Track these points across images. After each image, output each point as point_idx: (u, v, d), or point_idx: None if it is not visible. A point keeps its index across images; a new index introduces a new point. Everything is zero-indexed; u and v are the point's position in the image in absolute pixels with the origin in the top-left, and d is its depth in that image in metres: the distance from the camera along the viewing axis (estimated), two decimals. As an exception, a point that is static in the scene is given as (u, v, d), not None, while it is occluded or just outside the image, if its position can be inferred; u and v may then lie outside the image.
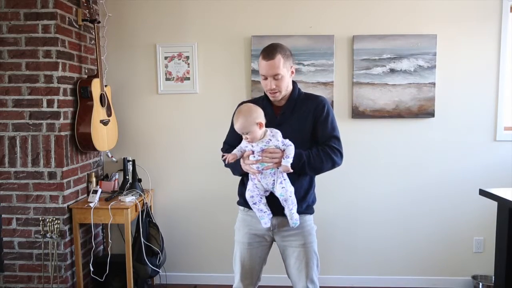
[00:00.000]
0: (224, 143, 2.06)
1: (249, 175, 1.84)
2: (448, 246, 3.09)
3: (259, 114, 1.77)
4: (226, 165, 1.94)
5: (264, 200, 1.84)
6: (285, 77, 1.85)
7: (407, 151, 3.05)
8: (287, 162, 1.74)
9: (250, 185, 1.84)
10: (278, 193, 1.79)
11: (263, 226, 1.86)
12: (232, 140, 1.97)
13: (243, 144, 1.82)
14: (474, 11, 2.93)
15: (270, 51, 1.83)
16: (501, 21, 2.92)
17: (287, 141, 1.77)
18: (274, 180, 1.78)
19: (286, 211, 1.82)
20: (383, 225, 3.10)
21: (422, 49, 2.92)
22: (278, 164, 1.76)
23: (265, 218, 1.85)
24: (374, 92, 2.97)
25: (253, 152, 1.77)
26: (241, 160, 1.84)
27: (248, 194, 1.84)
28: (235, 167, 1.89)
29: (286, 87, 1.88)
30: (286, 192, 1.78)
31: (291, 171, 1.75)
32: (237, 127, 1.76)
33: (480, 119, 3.00)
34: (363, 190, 3.09)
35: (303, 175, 1.88)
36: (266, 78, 1.85)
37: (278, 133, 1.79)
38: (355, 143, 2.99)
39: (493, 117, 2.99)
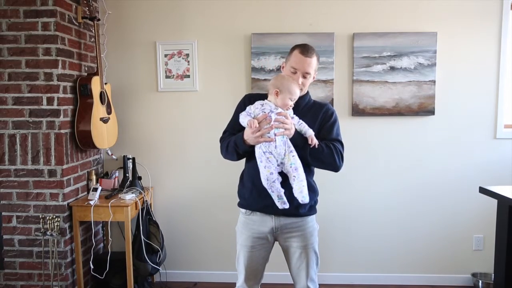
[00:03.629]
0: (225, 131, 2.00)
1: (258, 154, 1.77)
2: (448, 244, 3.10)
3: None
4: (226, 151, 1.91)
5: (280, 179, 1.78)
6: (311, 79, 1.91)
7: (407, 149, 3.04)
8: (311, 131, 1.80)
9: (264, 161, 1.76)
10: (289, 162, 1.74)
11: (282, 207, 1.77)
12: (235, 128, 1.94)
13: (256, 110, 1.80)
14: (474, 9, 2.92)
15: (310, 49, 1.87)
16: (502, 19, 2.91)
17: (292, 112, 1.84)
18: (285, 150, 1.75)
19: (296, 186, 1.74)
20: (383, 222, 3.11)
21: (422, 47, 2.92)
22: (290, 132, 1.76)
23: (284, 198, 1.77)
24: (374, 90, 2.97)
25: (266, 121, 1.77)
26: (250, 133, 1.76)
27: (267, 172, 1.75)
28: (239, 143, 1.82)
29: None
30: (296, 161, 1.75)
31: (292, 132, 1.76)
32: (291, 93, 1.77)
33: (480, 117, 3.00)
34: (363, 188, 3.09)
35: (309, 175, 1.88)
36: (295, 72, 1.86)
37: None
38: (355, 141, 2.99)
39: (493, 115, 2.99)
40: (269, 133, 1.74)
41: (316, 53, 1.89)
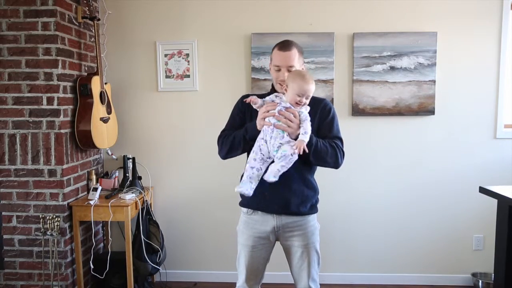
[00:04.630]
0: (223, 131, 2.00)
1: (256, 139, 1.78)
2: (448, 243, 3.10)
3: None
4: (231, 143, 1.89)
5: (261, 173, 1.77)
6: None
7: (407, 148, 3.04)
8: (305, 137, 1.70)
9: (255, 146, 1.77)
10: (281, 150, 1.70)
11: (241, 190, 1.76)
12: (233, 128, 1.95)
13: (269, 99, 1.82)
14: (474, 9, 2.92)
15: (287, 44, 1.87)
16: (502, 19, 2.91)
17: (308, 116, 1.77)
18: (281, 143, 1.72)
19: (274, 165, 1.72)
20: (383, 222, 3.11)
21: (422, 47, 2.92)
22: (291, 131, 1.72)
23: (247, 186, 1.76)
24: (374, 89, 2.97)
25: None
26: (260, 112, 1.78)
27: (251, 156, 1.78)
28: (249, 128, 1.83)
29: None
30: (291, 150, 1.70)
31: (303, 149, 1.69)
32: (298, 89, 1.72)
33: (480, 117, 3.00)
34: (363, 188, 3.09)
35: (310, 174, 1.90)
36: (279, 70, 1.86)
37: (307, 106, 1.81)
38: (355, 140, 2.99)
39: (493, 115, 2.99)
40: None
41: (295, 46, 1.87)
